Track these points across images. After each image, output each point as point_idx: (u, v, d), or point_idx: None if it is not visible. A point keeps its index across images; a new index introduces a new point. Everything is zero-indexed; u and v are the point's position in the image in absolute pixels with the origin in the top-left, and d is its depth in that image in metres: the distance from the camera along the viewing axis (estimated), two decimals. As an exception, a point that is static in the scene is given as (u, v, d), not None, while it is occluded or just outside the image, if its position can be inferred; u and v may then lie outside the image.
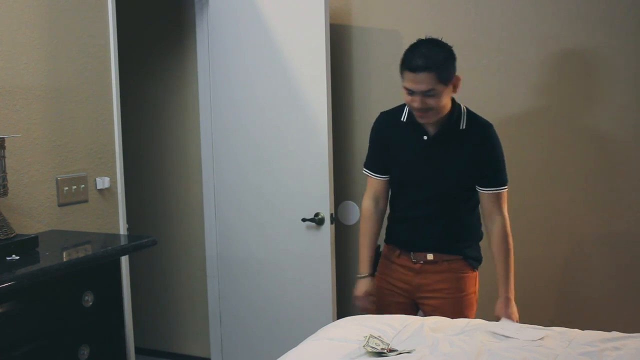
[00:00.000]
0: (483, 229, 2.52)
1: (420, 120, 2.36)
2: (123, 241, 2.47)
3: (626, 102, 2.86)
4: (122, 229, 2.84)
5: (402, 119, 2.45)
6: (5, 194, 2.15)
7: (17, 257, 2.05)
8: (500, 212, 2.39)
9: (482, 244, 2.54)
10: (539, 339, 1.94)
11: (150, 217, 3.88)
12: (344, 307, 3.25)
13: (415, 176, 2.46)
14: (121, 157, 2.84)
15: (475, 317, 2.42)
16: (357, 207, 3.35)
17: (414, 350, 1.88)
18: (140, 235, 2.51)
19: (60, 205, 2.56)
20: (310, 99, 3.09)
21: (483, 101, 3.11)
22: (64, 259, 2.16)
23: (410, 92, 2.28)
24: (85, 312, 2.13)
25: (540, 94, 3.02)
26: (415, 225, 2.48)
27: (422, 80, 2.22)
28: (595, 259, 2.99)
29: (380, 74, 3.28)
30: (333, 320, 2.83)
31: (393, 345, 1.91)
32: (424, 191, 2.44)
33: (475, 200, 2.46)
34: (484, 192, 2.40)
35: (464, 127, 2.38)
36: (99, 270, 2.19)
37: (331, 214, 3.10)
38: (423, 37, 2.33)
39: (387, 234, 2.63)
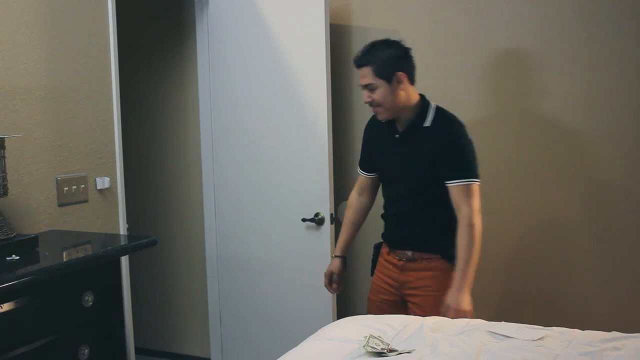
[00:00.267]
0: None
1: (378, 117, 2.52)
2: (123, 241, 2.47)
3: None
4: (122, 229, 2.84)
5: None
6: (5, 194, 2.15)
7: (17, 257, 2.04)
8: (467, 204, 2.39)
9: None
10: (539, 339, 1.94)
11: (150, 217, 3.88)
12: (344, 307, 3.25)
13: (390, 173, 2.59)
14: (121, 157, 2.84)
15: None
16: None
17: (414, 350, 1.88)
18: (140, 235, 2.51)
19: (60, 205, 2.56)
20: (311, 99, 3.09)
21: (483, 100, 3.12)
22: (64, 259, 2.16)
23: (361, 88, 2.47)
24: (85, 312, 2.13)
25: (542, 92, 3.01)
26: (394, 222, 2.61)
27: (364, 75, 2.43)
28: (595, 259, 2.99)
29: (380, 74, 3.28)
30: (333, 320, 2.83)
31: (393, 345, 1.91)
32: (398, 188, 2.56)
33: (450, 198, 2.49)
34: (449, 185, 2.42)
35: (429, 125, 2.45)
36: (99, 270, 2.19)
37: (331, 214, 3.10)
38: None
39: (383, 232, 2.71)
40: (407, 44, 2.48)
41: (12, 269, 1.93)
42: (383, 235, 2.68)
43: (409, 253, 2.52)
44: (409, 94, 2.45)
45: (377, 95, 2.42)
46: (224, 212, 3.49)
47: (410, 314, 2.41)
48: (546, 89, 3.00)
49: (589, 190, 2.96)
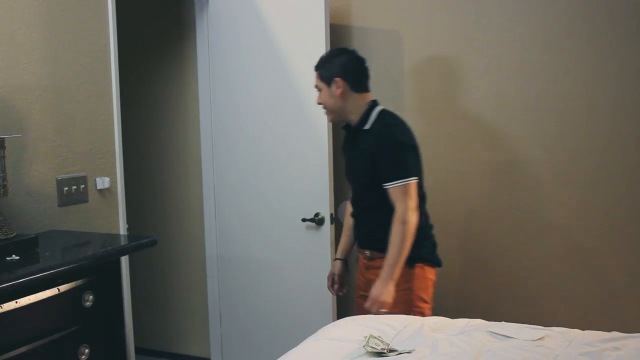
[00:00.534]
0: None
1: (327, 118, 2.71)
2: (123, 241, 2.47)
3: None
4: (122, 229, 2.83)
5: None
6: (5, 194, 2.15)
7: (17, 257, 2.04)
8: (402, 202, 2.45)
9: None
10: (539, 339, 1.94)
11: (150, 217, 3.88)
12: (344, 307, 3.25)
13: (346, 175, 2.73)
14: (121, 157, 2.84)
15: (419, 313, 2.47)
16: (357, 207, 3.35)
17: (414, 350, 1.88)
18: (140, 235, 2.50)
19: (60, 205, 2.56)
20: (311, 99, 3.08)
21: (482, 101, 3.12)
22: (64, 259, 2.15)
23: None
24: (85, 312, 2.13)
25: (543, 94, 3.01)
26: (356, 222, 2.72)
27: (316, 78, 2.61)
28: (595, 259, 2.99)
29: (379, 74, 3.27)
30: (333, 320, 2.83)
31: (393, 345, 1.91)
32: (354, 190, 2.69)
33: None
34: (386, 188, 2.49)
35: (368, 127, 2.54)
36: (99, 270, 2.19)
37: (331, 214, 3.10)
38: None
39: None
40: (361, 53, 2.61)
41: (12, 269, 1.93)
42: None
43: (368, 252, 2.65)
44: (355, 99, 2.55)
45: (320, 97, 2.61)
46: (224, 212, 3.49)
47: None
48: (548, 89, 3.00)
49: (589, 190, 2.96)
